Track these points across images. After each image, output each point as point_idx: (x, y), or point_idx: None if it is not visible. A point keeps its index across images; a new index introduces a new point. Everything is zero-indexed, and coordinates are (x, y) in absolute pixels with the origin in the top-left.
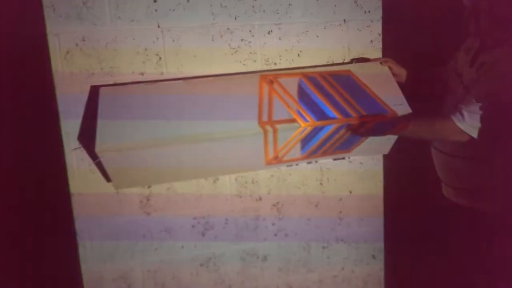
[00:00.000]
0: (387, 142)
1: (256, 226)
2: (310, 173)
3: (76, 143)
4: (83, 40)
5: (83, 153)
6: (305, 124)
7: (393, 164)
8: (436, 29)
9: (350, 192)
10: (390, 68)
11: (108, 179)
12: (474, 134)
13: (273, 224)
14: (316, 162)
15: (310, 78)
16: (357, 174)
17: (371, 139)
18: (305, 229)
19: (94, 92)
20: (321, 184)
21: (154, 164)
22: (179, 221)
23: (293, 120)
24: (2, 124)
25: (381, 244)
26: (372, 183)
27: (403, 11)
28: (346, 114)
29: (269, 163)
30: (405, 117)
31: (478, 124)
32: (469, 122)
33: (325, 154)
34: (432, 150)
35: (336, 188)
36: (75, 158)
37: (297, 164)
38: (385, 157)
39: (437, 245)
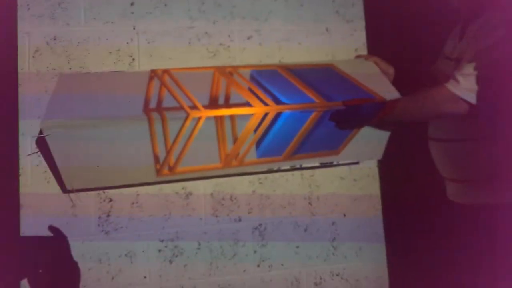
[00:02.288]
0: (379, 143)
1: (234, 253)
2: (297, 190)
3: (33, 147)
4: (54, 39)
5: (39, 158)
6: (262, 108)
7: (391, 181)
8: (423, 37)
9: (344, 215)
10: (376, 64)
11: (63, 187)
12: (472, 99)
13: (254, 252)
14: (300, 166)
15: (286, 68)
16: (352, 193)
17: (360, 139)
18: (293, 260)
19: None
20: (310, 203)
21: (106, 150)
22: (143, 244)
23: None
24: None
25: (385, 280)
26: (370, 204)
27: (387, 21)
28: (328, 99)
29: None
30: (394, 100)
31: (474, 87)
32: (464, 86)
33: (309, 155)
34: (430, 144)
35: (328, 209)
36: (30, 165)
37: (278, 168)
38: (381, 172)
39: (447, 271)
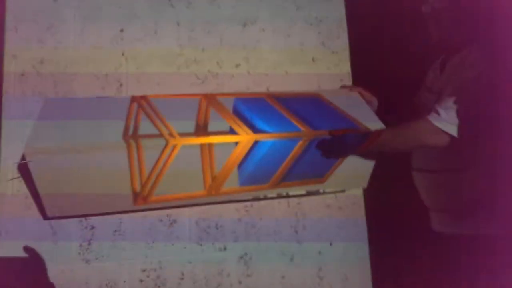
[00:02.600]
0: (364, 172)
1: (218, 283)
2: (284, 218)
3: (15, 172)
4: (41, 63)
5: (20, 184)
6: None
7: (377, 209)
8: (405, 69)
9: (331, 244)
10: (360, 94)
11: (44, 214)
12: (454, 132)
13: (239, 283)
14: (287, 194)
15: (275, 97)
16: (337, 221)
17: (346, 167)
18: None
19: None
20: (296, 232)
21: (87, 177)
22: (124, 273)
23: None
24: None
25: None
26: (355, 232)
27: (370, 52)
28: (314, 128)
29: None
30: (378, 130)
31: (455, 120)
32: (445, 119)
33: (295, 183)
34: (414, 175)
35: (314, 237)
36: (10, 189)
37: (264, 196)
38: (367, 200)
39: None
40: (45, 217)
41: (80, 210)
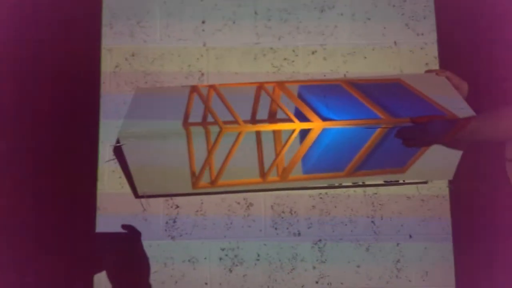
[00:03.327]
0: (450, 162)
1: (292, 267)
2: (360, 207)
3: (111, 154)
4: (132, 56)
5: (116, 165)
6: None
7: (463, 203)
8: (499, 51)
9: (410, 236)
10: (448, 79)
11: (135, 192)
12: None
13: (314, 268)
14: (363, 183)
15: (351, 83)
16: (418, 215)
17: (429, 157)
18: (354, 279)
19: None
20: (372, 222)
21: (174, 159)
22: (205, 251)
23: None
24: (45, 125)
25: None
26: (438, 226)
27: (461, 33)
28: (394, 115)
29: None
30: (466, 118)
31: None
32: None
33: (372, 172)
34: (508, 165)
35: (393, 229)
36: (107, 170)
37: (340, 184)
38: (452, 193)
39: None
40: (136, 195)
41: (164, 190)
